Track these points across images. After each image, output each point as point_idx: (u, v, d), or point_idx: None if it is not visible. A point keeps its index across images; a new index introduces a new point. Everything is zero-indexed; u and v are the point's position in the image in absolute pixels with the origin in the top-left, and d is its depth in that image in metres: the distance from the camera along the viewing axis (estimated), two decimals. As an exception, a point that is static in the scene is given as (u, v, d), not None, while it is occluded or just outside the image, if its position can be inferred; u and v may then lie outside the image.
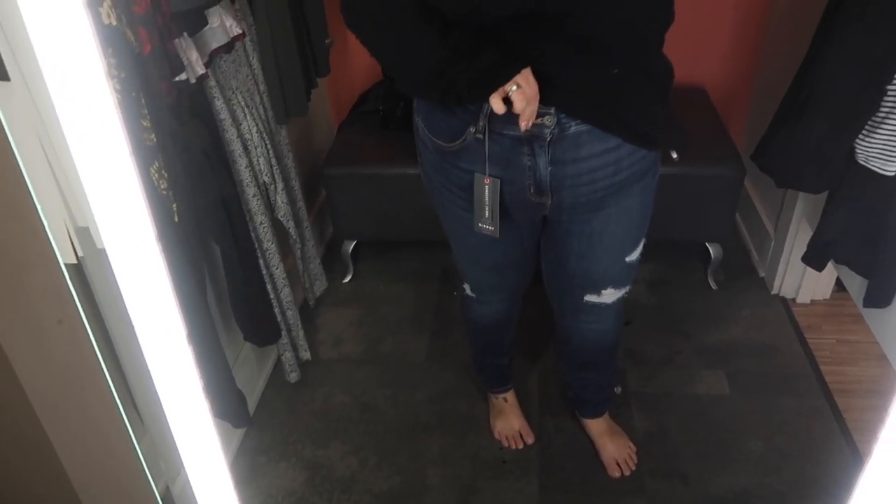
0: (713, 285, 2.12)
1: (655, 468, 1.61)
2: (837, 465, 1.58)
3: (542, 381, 1.86)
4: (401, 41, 0.95)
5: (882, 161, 1.20)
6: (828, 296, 2.03)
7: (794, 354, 1.88)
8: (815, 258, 1.44)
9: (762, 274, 2.14)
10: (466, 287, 1.46)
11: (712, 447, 1.65)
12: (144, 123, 0.99)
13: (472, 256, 1.33)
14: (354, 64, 2.41)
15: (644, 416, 1.74)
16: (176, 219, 1.13)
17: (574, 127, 0.99)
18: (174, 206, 1.12)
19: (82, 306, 0.74)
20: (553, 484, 1.60)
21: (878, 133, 1.19)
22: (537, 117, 0.96)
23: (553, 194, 1.08)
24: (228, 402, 1.30)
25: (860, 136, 1.21)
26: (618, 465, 1.60)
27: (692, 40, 2.19)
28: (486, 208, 1.10)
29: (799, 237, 1.90)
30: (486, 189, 1.07)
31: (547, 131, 0.99)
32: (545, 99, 0.93)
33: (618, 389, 1.69)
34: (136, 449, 0.87)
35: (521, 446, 1.67)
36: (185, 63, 1.20)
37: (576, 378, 1.60)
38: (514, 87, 0.89)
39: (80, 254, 1.05)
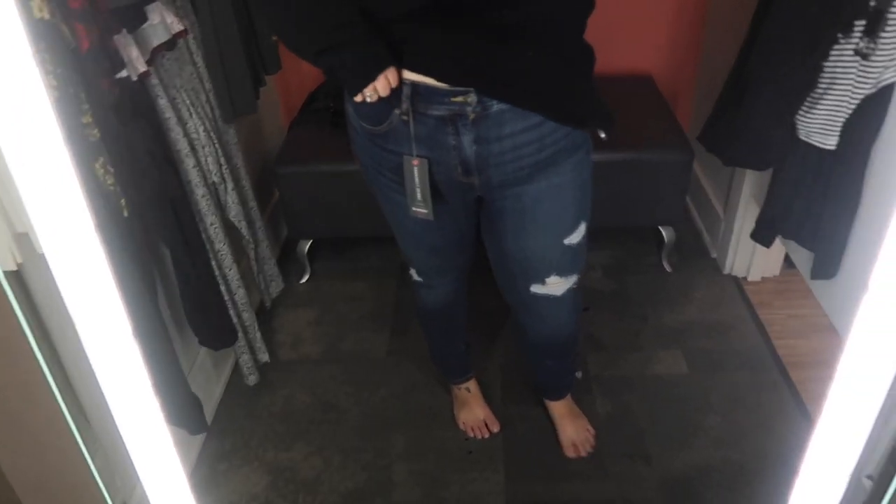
0: (668, 268, 2.16)
1: (619, 450, 1.63)
2: (794, 435, 1.62)
3: (503, 369, 1.86)
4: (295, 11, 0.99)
5: (822, 136, 1.24)
6: (777, 273, 2.08)
7: (747, 331, 1.93)
8: (762, 235, 1.48)
9: (714, 255, 2.19)
10: (413, 272, 1.46)
11: (673, 426, 1.68)
12: (85, 120, 0.96)
13: (413, 240, 1.33)
14: (304, 62, 2.38)
15: (606, 399, 1.76)
16: (125, 213, 1.09)
17: (496, 106, 1.00)
18: (122, 200, 1.08)
19: (24, 316, 0.70)
20: (519, 471, 1.60)
21: (817, 109, 1.22)
22: (458, 96, 0.99)
23: (480, 173, 1.09)
24: (183, 409, 1.27)
25: (800, 112, 1.25)
26: (574, 446, 1.62)
27: (637, 28, 2.23)
28: (418, 190, 1.10)
29: (747, 216, 1.94)
30: (416, 170, 1.08)
31: (469, 109, 1.00)
32: (464, 81, 0.96)
33: (579, 374, 1.71)
34: (90, 466, 0.84)
35: (486, 435, 1.68)
36: (126, 60, 1.17)
37: (536, 365, 1.61)
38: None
39: (19, 260, 1.01)
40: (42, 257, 0.59)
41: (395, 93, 1.00)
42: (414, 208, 1.14)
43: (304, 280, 2.22)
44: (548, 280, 1.28)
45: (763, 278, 2.07)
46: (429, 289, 1.48)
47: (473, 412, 1.70)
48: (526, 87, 0.99)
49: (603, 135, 1.09)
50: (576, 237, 1.21)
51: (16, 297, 0.70)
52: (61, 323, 1.11)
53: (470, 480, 1.60)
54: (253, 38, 1.72)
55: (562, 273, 1.27)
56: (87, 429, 1.26)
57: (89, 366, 0.63)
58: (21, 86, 0.46)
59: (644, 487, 1.55)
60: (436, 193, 1.12)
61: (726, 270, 2.11)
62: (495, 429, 1.68)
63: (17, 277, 1.05)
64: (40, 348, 0.77)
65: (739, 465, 1.57)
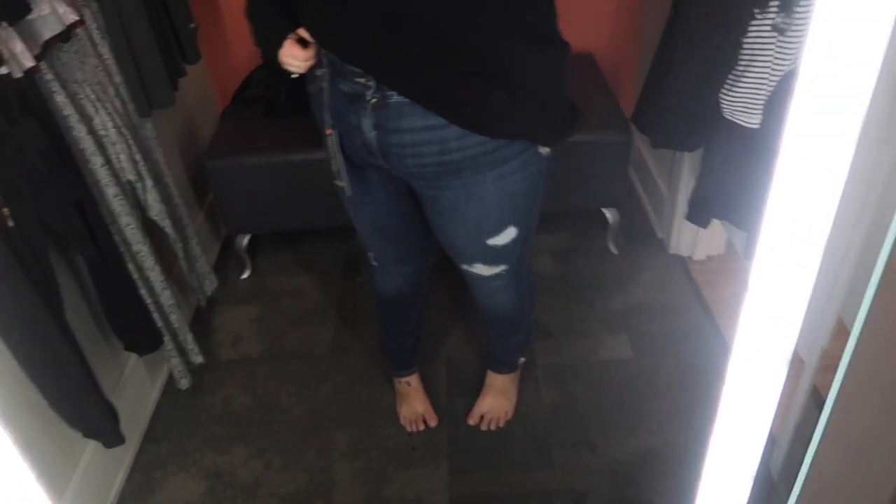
0: (614, 250, 2.13)
1: (563, 439, 1.61)
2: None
3: (450, 361, 1.83)
4: None
5: (746, 115, 1.20)
6: (722, 251, 2.07)
7: (692, 311, 1.91)
8: (697, 216, 1.45)
9: (660, 235, 2.17)
10: (371, 255, 1.45)
11: (617, 412, 1.66)
12: (-55, 124, 0.88)
13: (354, 216, 1.32)
14: (235, 47, 2.29)
15: (550, 387, 1.73)
16: (10, 223, 1.02)
17: (395, 97, 0.99)
18: (4, 210, 1.01)
19: None
20: (462, 465, 1.57)
21: (739, 86, 1.19)
22: (360, 77, 1.00)
23: (384, 158, 1.08)
24: (96, 421, 1.21)
25: (723, 90, 1.21)
26: (481, 417, 1.64)
27: (577, 6, 2.18)
28: (332, 161, 1.11)
29: (689, 195, 1.92)
30: (327, 140, 1.10)
31: (368, 94, 1.01)
32: (359, 63, 0.99)
33: (522, 360, 1.67)
34: None
35: (422, 428, 1.65)
36: (7, 56, 1.09)
37: (486, 330, 1.62)
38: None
39: None
40: None
41: (324, 54, 1.04)
42: (334, 181, 1.15)
43: (244, 276, 2.15)
44: (474, 265, 1.29)
45: (708, 257, 2.06)
46: (382, 274, 1.47)
47: (413, 406, 1.67)
48: (422, 85, 0.97)
49: (542, 150, 1.09)
50: (501, 239, 1.19)
51: None
52: None
53: (413, 477, 1.56)
54: (168, 26, 1.64)
55: (487, 263, 1.27)
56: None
57: None
58: None
59: (588, 475, 1.53)
60: (359, 169, 1.15)
61: (672, 250, 2.09)
62: (433, 423, 1.65)
63: None
64: None
65: (683, 450, 1.56)
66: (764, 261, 0.49)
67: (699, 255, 2.05)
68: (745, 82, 1.16)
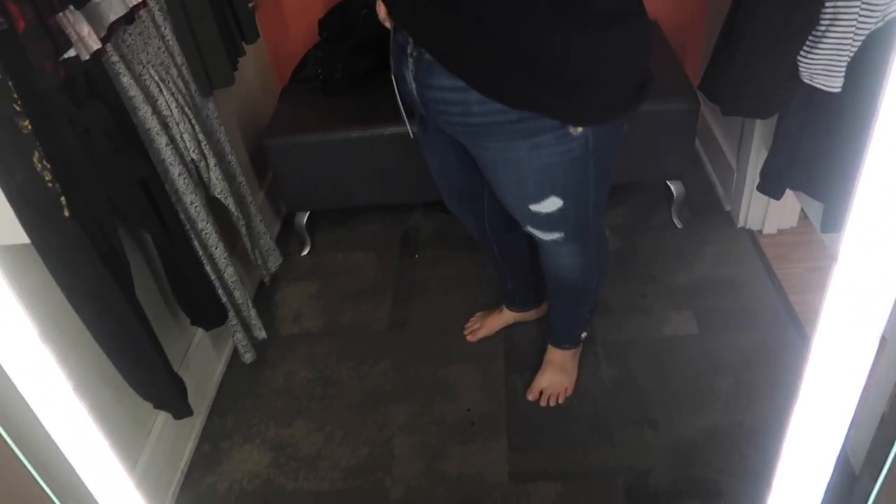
0: (678, 224, 2.06)
1: (624, 417, 1.58)
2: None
3: (508, 337, 1.81)
4: None
5: (826, 77, 1.13)
6: (795, 224, 1.97)
7: (762, 287, 1.84)
8: (770, 186, 1.38)
9: (727, 208, 2.08)
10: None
11: (681, 390, 1.61)
12: (17, 107, 0.91)
13: (426, 160, 1.42)
14: (292, 27, 2.30)
15: (611, 364, 1.69)
16: (66, 213, 1.05)
17: (427, 55, 1.04)
18: (62, 199, 1.04)
19: None
20: (522, 441, 1.56)
21: (819, 48, 1.11)
22: (404, 31, 1.07)
23: (425, 110, 1.15)
24: (166, 394, 1.25)
25: (802, 52, 1.14)
26: (540, 392, 1.64)
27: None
28: (399, 102, 1.20)
29: (760, 167, 1.83)
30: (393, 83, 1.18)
31: (409, 47, 1.07)
32: (401, 21, 1.07)
33: (583, 335, 1.64)
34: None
35: (467, 333, 1.81)
36: (74, 39, 1.12)
37: (549, 299, 1.64)
38: None
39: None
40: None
41: None
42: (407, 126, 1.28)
43: (304, 253, 2.18)
44: (528, 228, 1.30)
45: (779, 231, 1.97)
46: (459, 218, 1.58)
47: (485, 317, 1.82)
48: (442, 46, 1.02)
49: (573, 130, 1.07)
50: (545, 207, 1.20)
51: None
52: None
53: (471, 452, 1.56)
54: (227, 6, 1.65)
55: (539, 228, 1.29)
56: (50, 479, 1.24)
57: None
58: None
59: (651, 454, 1.49)
60: (423, 115, 1.21)
61: (740, 224, 2.00)
62: (478, 334, 1.80)
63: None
64: None
65: (751, 430, 1.51)
66: (855, 233, 0.45)
67: (770, 228, 1.96)
68: (826, 43, 1.09)
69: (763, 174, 1.38)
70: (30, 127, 0.90)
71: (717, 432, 1.51)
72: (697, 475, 1.44)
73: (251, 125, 2.16)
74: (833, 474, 0.64)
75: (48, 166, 0.92)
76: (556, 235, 1.29)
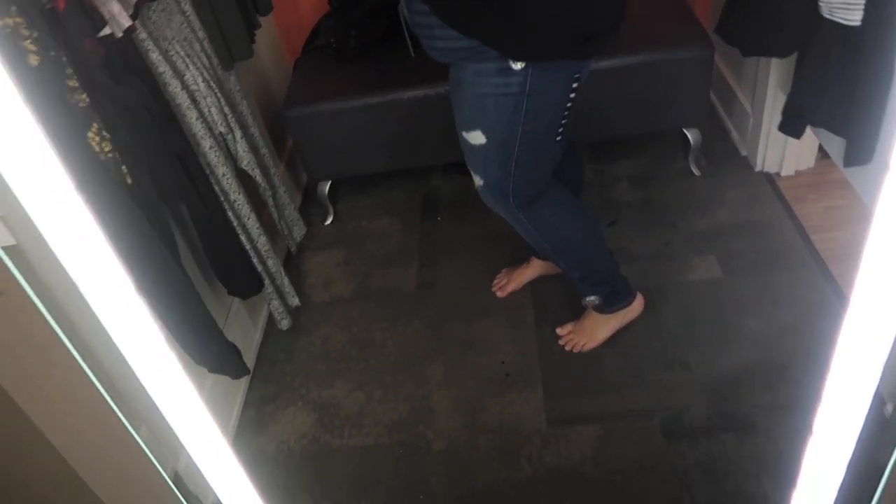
0: (696, 172, 2.09)
1: (655, 360, 1.62)
2: (835, 330, 1.58)
3: (535, 291, 1.85)
4: None
5: (846, 10, 1.14)
6: (812, 165, 1.99)
7: (783, 228, 1.87)
8: (791, 125, 1.40)
9: (744, 153, 2.10)
10: None
11: (710, 331, 1.65)
12: (71, 83, 0.94)
13: None
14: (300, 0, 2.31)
15: (639, 310, 1.73)
16: (129, 181, 1.09)
17: None
18: (124, 168, 1.08)
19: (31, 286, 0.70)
20: (557, 389, 1.61)
21: (839, -18, 1.13)
22: None
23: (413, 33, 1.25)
24: (221, 357, 1.30)
25: (822, -13, 1.15)
26: (565, 335, 1.71)
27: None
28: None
29: (776, 109, 1.84)
30: None
31: None
32: None
33: (589, 299, 1.65)
34: (138, 441, 0.85)
35: (495, 288, 1.87)
36: (108, 17, 1.14)
37: None
38: None
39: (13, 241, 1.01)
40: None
41: None
42: None
43: (328, 222, 2.22)
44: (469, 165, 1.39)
45: (797, 172, 1.99)
46: None
47: (511, 274, 1.87)
48: None
49: (514, 64, 1.14)
50: (471, 139, 1.29)
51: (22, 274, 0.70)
52: (69, 296, 1.13)
53: (509, 402, 1.61)
54: (242, -21, 1.66)
55: (470, 166, 1.37)
56: (127, 407, 1.29)
57: (111, 342, 0.63)
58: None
59: (684, 393, 1.54)
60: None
61: (758, 168, 2.02)
62: (507, 289, 1.85)
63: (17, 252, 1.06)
64: (56, 319, 0.76)
65: (781, 366, 1.55)
66: None
67: (787, 170, 1.98)
68: (845, -24, 1.10)
69: (784, 113, 1.40)
70: (87, 100, 0.92)
71: (747, 370, 1.56)
72: (731, 410, 1.49)
73: (265, 98, 2.18)
74: (869, 412, 0.68)
75: (107, 137, 0.95)
76: (479, 181, 1.38)
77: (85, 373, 0.73)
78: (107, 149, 1.00)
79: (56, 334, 0.69)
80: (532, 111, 1.21)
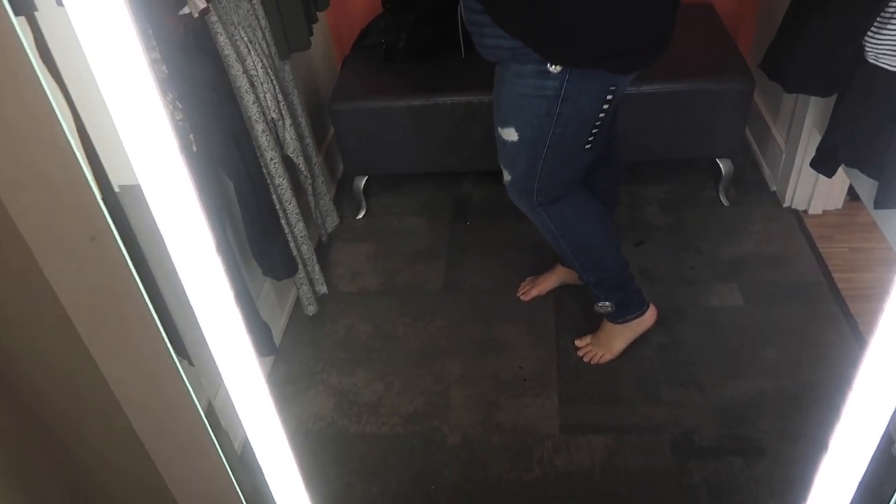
0: (725, 202, 2.12)
1: (671, 378, 1.66)
2: (850, 368, 1.61)
3: (558, 299, 1.90)
4: None
5: (892, 58, 1.19)
6: (840, 206, 2.03)
7: (806, 264, 1.90)
8: (824, 163, 1.44)
9: (774, 188, 2.14)
10: None
11: (726, 356, 1.69)
12: (154, 55, 1.00)
13: None
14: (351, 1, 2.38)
15: (658, 329, 1.76)
16: (194, 148, 1.15)
17: None
18: (191, 136, 1.14)
19: (118, 231, 0.75)
20: (572, 397, 1.65)
21: (887, 29, 1.17)
22: None
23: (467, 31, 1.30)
24: (253, 332, 1.35)
25: (869, 34, 1.20)
26: (582, 347, 1.75)
27: (698, -49, 2.14)
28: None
29: (810, 147, 1.88)
30: None
31: None
32: None
33: (603, 304, 1.69)
34: (178, 368, 0.90)
35: (519, 292, 1.92)
36: (187, -3, 1.20)
37: None
38: None
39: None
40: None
41: None
42: None
43: (360, 216, 2.27)
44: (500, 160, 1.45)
45: (824, 211, 2.02)
46: None
47: (536, 280, 1.92)
48: None
49: (551, 67, 1.19)
50: (505, 135, 1.36)
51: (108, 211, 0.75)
52: (154, 243, 1.18)
53: (524, 405, 1.65)
54: (306, -26, 1.73)
55: (501, 160, 1.44)
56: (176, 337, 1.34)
57: (177, 279, 0.68)
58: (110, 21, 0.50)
59: (696, 413, 1.58)
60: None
61: (786, 203, 2.06)
62: (531, 293, 1.90)
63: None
64: (133, 262, 0.82)
65: (793, 396, 1.58)
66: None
67: (815, 209, 2.02)
68: (894, 24, 1.15)
69: (819, 150, 1.44)
70: (165, 71, 0.99)
71: (760, 396, 1.59)
72: (741, 434, 1.52)
73: (311, 90, 2.25)
74: (877, 449, 0.72)
75: (180, 106, 1.01)
76: (507, 176, 1.45)
77: (147, 306, 0.78)
78: (178, 116, 1.06)
79: (134, 281, 0.74)
80: (564, 115, 1.27)
